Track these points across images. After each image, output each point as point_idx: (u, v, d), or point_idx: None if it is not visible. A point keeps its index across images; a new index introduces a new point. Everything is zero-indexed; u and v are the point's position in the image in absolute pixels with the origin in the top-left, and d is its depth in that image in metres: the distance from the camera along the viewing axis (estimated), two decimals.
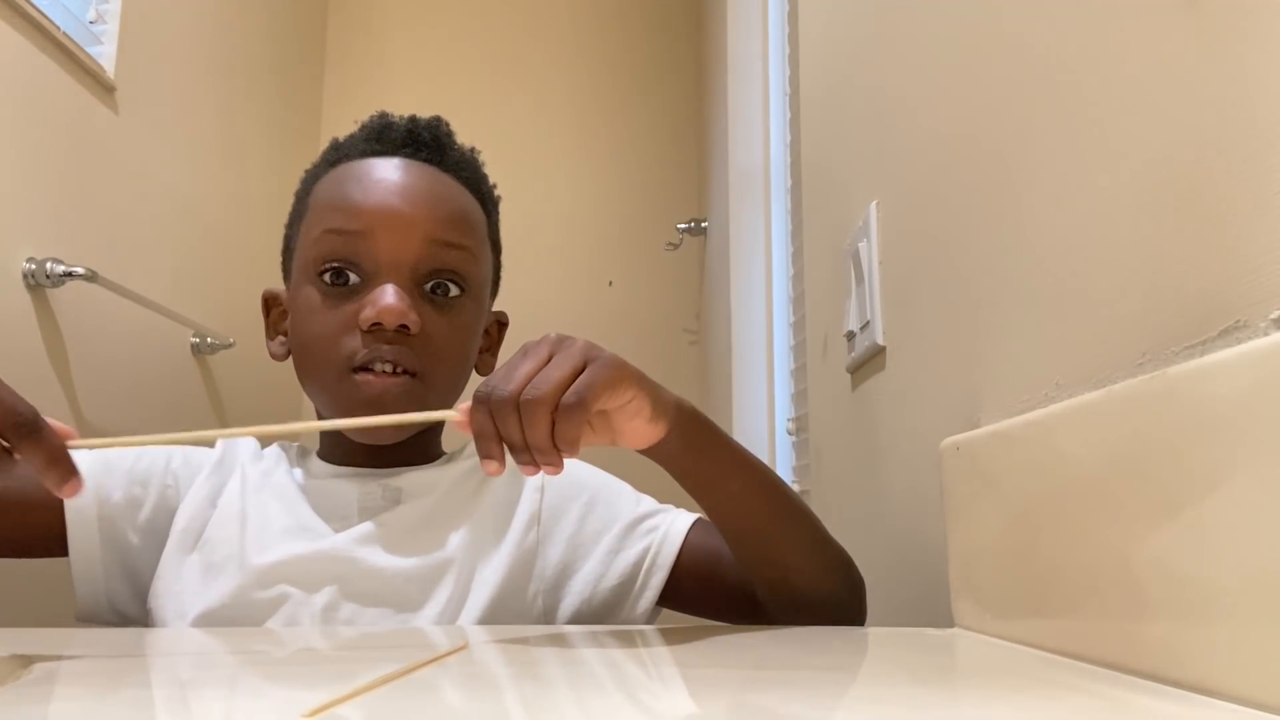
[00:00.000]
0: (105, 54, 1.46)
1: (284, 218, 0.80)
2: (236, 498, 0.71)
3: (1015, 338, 0.54)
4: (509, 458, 0.49)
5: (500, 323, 0.83)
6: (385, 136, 0.76)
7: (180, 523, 0.70)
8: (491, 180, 0.81)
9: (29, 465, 0.46)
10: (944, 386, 0.66)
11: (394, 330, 0.68)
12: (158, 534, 0.71)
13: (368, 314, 0.68)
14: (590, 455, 0.58)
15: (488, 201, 0.80)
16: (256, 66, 2.06)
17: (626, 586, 0.71)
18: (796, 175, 1.33)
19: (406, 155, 0.75)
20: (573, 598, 0.71)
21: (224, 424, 1.79)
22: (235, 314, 1.78)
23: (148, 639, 0.58)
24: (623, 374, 0.51)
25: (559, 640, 0.55)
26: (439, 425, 0.78)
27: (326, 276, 0.71)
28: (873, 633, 0.60)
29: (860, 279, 0.86)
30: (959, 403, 0.63)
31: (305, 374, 0.73)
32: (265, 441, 0.79)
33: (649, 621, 0.72)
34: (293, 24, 2.29)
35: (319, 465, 0.76)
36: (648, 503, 0.75)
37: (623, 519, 0.73)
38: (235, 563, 0.67)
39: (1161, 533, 0.35)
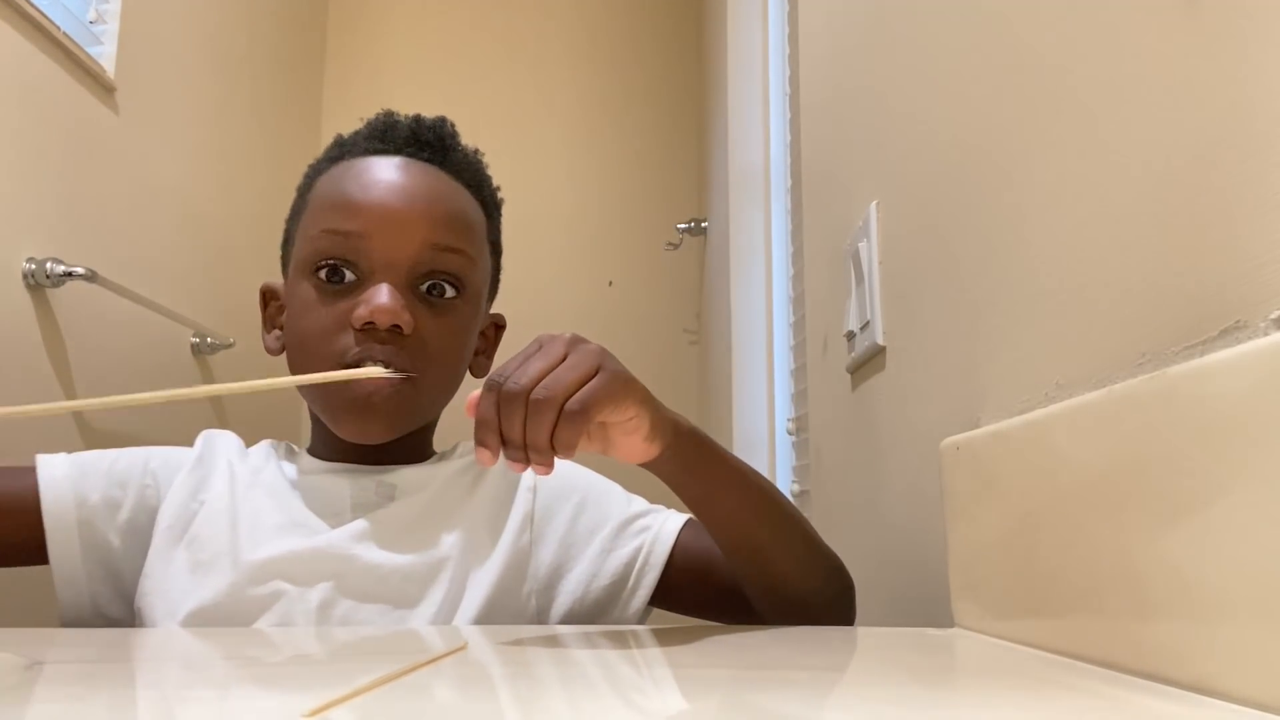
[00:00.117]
0: (105, 54, 1.46)
1: (284, 218, 0.80)
2: (225, 494, 0.71)
3: (1015, 338, 0.54)
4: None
5: (497, 325, 0.82)
6: (389, 135, 0.76)
7: (164, 521, 0.70)
8: (495, 182, 0.81)
9: None
10: (944, 386, 0.66)
11: (387, 330, 0.68)
12: (139, 534, 0.71)
13: (361, 313, 0.68)
14: (583, 458, 0.58)
15: (489, 204, 0.80)
16: (256, 66, 2.06)
17: (619, 586, 0.71)
18: (796, 175, 1.33)
19: (409, 155, 0.74)
20: (565, 597, 0.71)
21: (224, 424, 1.79)
22: (235, 314, 1.78)
23: (147, 639, 0.58)
24: (629, 389, 0.51)
25: (558, 641, 0.55)
26: (431, 425, 0.78)
27: (322, 274, 0.71)
28: (873, 633, 0.60)
29: (860, 279, 0.86)
30: (959, 403, 0.62)
31: (297, 369, 0.73)
32: (251, 439, 0.79)
33: (641, 621, 0.72)
34: (293, 24, 2.29)
35: (310, 461, 0.76)
36: (639, 503, 0.75)
37: (614, 519, 0.73)
38: (227, 559, 0.67)
39: (1162, 533, 0.35)
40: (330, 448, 0.75)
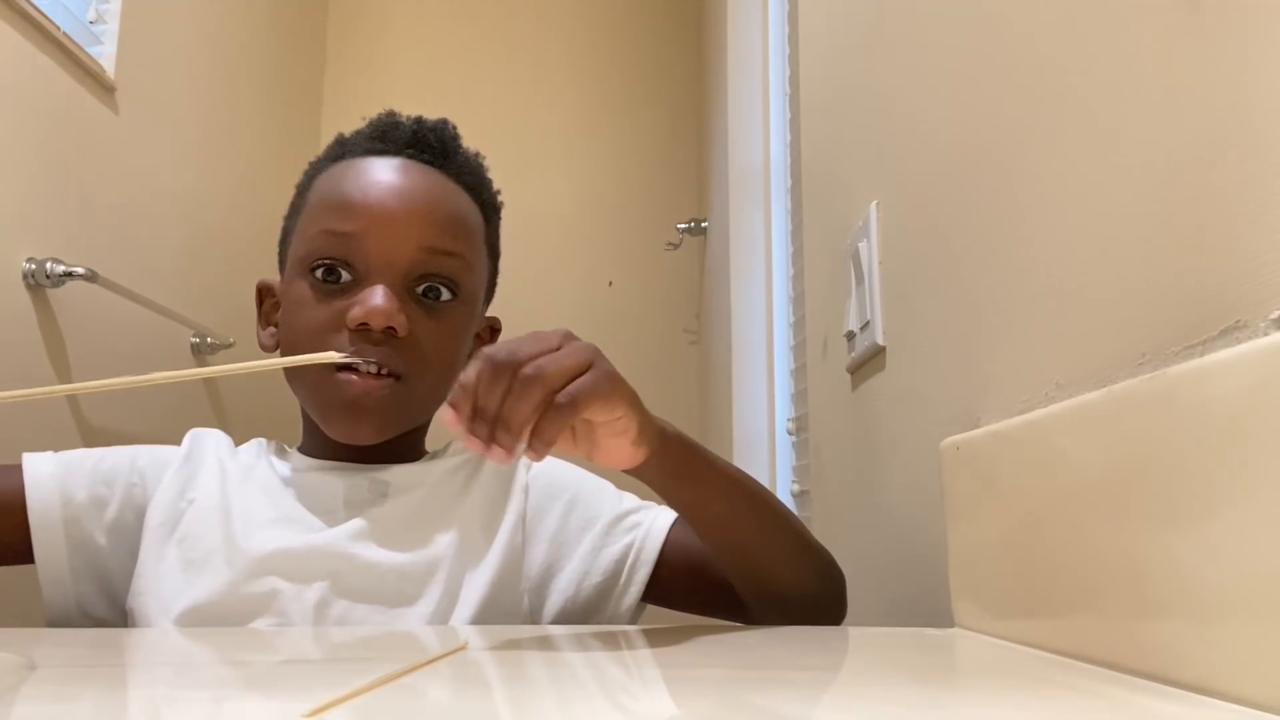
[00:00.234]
0: (105, 54, 1.46)
1: (284, 217, 0.80)
2: (216, 491, 0.71)
3: (1015, 338, 0.54)
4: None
5: (493, 328, 0.82)
6: (390, 136, 0.76)
7: (154, 519, 0.70)
8: (495, 185, 0.81)
9: None
10: (944, 386, 0.66)
11: (381, 331, 0.68)
12: (126, 533, 0.71)
13: (355, 313, 0.68)
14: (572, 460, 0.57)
15: (488, 207, 0.79)
16: (256, 67, 2.06)
17: (610, 583, 0.71)
18: (796, 175, 1.33)
19: (410, 156, 0.74)
20: (557, 596, 0.71)
21: (224, 424, 1.79)
22: (235, 314, 1.78)
23: (147, 640, 0.58)
24: (619, 389, 0.50)
25: (556, 642, 0.55)
26: (424, 425, 0.78)
27: (319, 273, 0.71)
28: (873, 633, 0.60)
29: (860, 279, 0.86)
30: (959, 403, 0.63)
31: (290, 370, 0.73)
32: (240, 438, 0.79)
33: (634, 618, 0.72)
34: (293, 24, 2.29)
35: (301, 459, 0.76)
36: (630, 500, 0.75)
37: (606, 516, 0.73)
38: (220, 556, 0.67)
39: (1161, 533, 0.35)
40: (322, 446, 0.75)
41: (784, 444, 1.59)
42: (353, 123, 0.80)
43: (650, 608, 0.74)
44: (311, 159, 0.80)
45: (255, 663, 0.46)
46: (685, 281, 2.42)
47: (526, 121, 2.46)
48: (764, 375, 1.70)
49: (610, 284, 2.42)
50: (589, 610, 0.71)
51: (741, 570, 0.65)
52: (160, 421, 1.52)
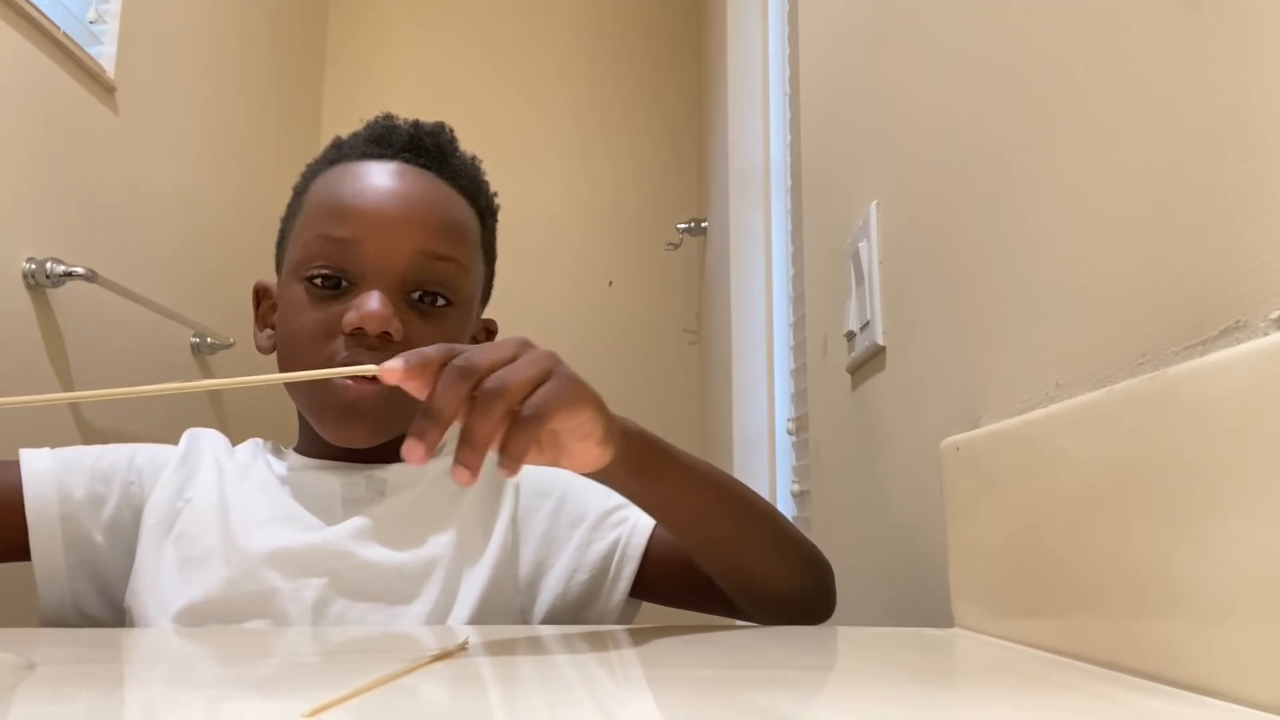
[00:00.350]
0: (105, 54, 1.46)
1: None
2: (213, 491, 0.71)
3: (1015, 338, 0.54)
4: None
5: (489, 330, 0.82)
6: (387, 139, 0.76)
7: (151, 517, 0.70)
8: (493, 188, 0.81)
9: None
10: (944, 386, 0.66)
11: (376, 337, 0.68)
12: (123, 531, 0.71)
13: (351, 318, 0.68)
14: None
15: (485, 211, 0.80)
16: (256, 66, 2.06)
17: (599, 579, 0.71)
18: (796, 175, 1.33)
19: (406, 160, 0.74)
20: (547, 594, 0.72)
21: (224, 424, 1.79)
22: (235, 314, 1.78)
23: (146, 640, 0.58)
24: (582, 393, 0.48)
25: (556, 642, 0.55)
26: None
27: (315, 278, 0.71)
28: (873, 633, 0.60)
29: (860, 279, 0.86)
30: (959, 403, 0.62)
31: (286, 369, 0.73)
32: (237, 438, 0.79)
33: (624, 615, 0.72)
34: (293, 24, 2.29)
35: (298, 458, 0.76)
36: (618, 496, 0.74)
37: (593, 513, 0.73)
38: (218, 555, 0.67)
39: (1161, 533, 0.35)
40: (318, 446, 0.75)
41: (784, 444, 1.59)
42: (352, 124, 0.80)
43: (647, 606, 0.74)
44: (311, 159, 0.80)
45: (255, 663, 0.46)
46: (685, 281, 2.42)
47: (527, 121, 2.46)
48: (764, 375, 1.70)
49: (610, 284, 2.42)
50: (579, 607, 0.71)
51: (721, 567, 0.64)
52: (159, 422, 1.52)
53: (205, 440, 0.77)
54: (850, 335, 0.91)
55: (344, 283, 0.71)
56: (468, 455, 0.44)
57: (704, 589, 0.68)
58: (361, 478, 0.73)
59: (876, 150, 0.85)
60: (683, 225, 2.23)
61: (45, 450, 0.72)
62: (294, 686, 0.38)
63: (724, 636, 0.56)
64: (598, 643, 0.53)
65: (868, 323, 0.84)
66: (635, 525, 0.71)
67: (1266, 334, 0.32)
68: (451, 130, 0.79)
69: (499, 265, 0.83)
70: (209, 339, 1.70)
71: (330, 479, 0.73)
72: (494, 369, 0.46)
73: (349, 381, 0.69)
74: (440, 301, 0.73)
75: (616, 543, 0.71)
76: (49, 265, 1.25)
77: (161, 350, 1.59)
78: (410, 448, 0.43)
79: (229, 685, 0.39)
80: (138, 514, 0.71)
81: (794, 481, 1.44)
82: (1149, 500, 0.36)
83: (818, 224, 1.12)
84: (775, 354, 1.67)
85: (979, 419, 0.58)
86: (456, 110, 0.90)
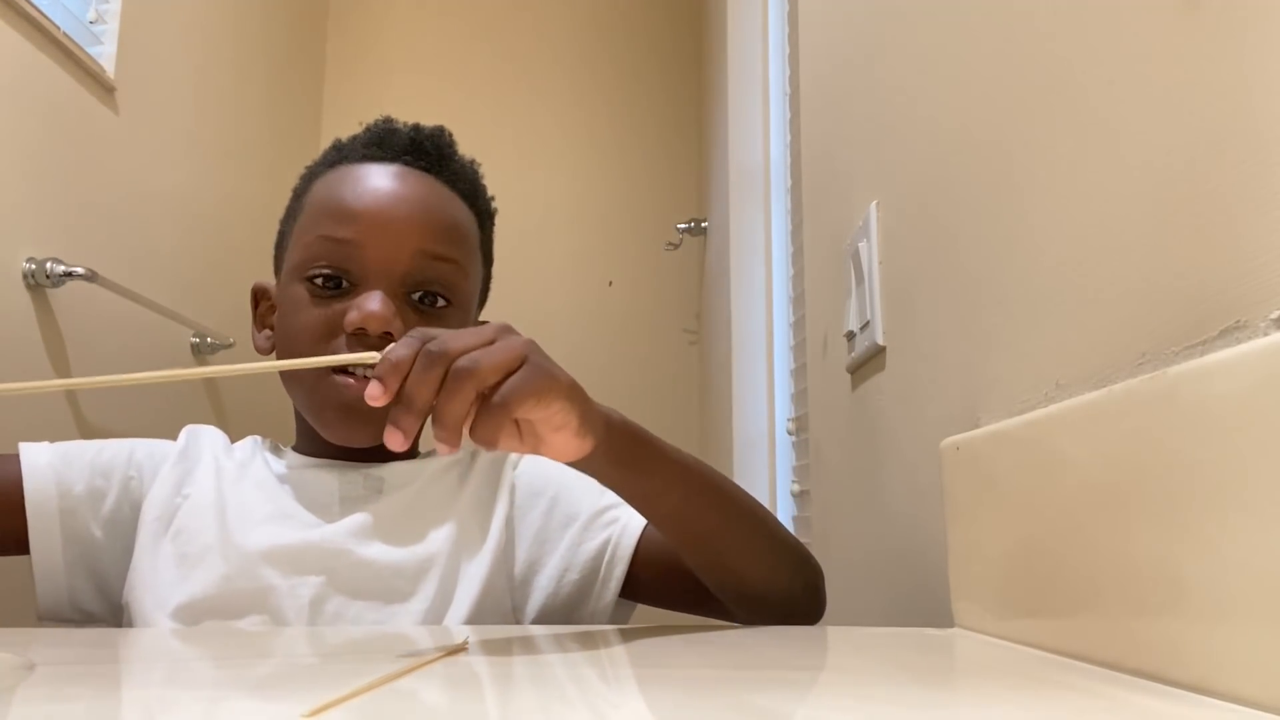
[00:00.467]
0: (105, 54, 1.46)
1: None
2: (211, 488, 0.71)
3: (1015, 338, 0.54)
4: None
5: None
6: (387, 142, 0.76)
7: (150, 513, 0.70)
8: (492, 189, 0.82)
9: None
10: (944, 386, 0.66)
11: (377, 336, 0.68)
12: (122, 527, 0.71)
13: (352, 318, 0.69)
14: None
15: (483, 214, 0.80)
16: (257, 67, 2.06)
17: (590, 579, 0.71)
18: (796, 175, 1.33)
19: (406, 163, 0.75)
20: (539, 593, 0.72)
21: (222, 421, 1.78)
22: (235, 314, 1.78)
23: (145, 640, 0.58)
24: (553, 384, 0.48)
25: (555, 643, 0.55)
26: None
27: (316, 279, 0.71)
28: (873, 633, 0.60)
29: (860, 279, 0.86)
30: (959, 403, 0.62)
31: (286, 371, 0.73)
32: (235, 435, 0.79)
33: (615, 615, 0.72)
34: (293, 24, 2.29)
35: (296, 456, 0.77)
36: (611, 495, 0.74)
37: (585, 512, 0.73)
38: (216, 552, 0.67)
39: (1161, 533, 0.35)
40: (316, 444, 0.75)
41: (784, 444, 1.59)
42: (352, 124, 0.80)
43: (643, 608, 0.74)
44: (311, 159, 0.80)
45: (254, 663, 0.46)
46: (685, 281, 2.42)
47: (527, 121, 2.46)
48: (764, 375, 1.70)
49: (610, 284, 2.42)
50: (570, 607, 0.71)
51: (706, 565, 0.64)
52: (158, 419, 1.52)
53: (204, 437, 0.77)
54: (850, 335, 0.91)
55: (345, 283, 0.71)
56: (441, 434, 0.45)
57: (695, 590, 0.68)
58: (359, 476, 0.73)
59: (876, 150, 0.85)
60: (683, 225, 2.23)
61: (44, 444, 0.72)
62: (293, 687, 0.38)
63: (724, 637, 0.56)
64: (596, 644, 0.53)
65: (868, 323, 0.84)
66: (626, 526, 0.71)
67: (1266, 334, 0.32)
68: (450, 134, 0.79)
69: (499, 265, 0.83)
70: (209, 339, 1.70)
71: (328, 477, 0.73)
72: (467, 352, 0.46)
73: (350, 381, 0.69)
74: (440, 302, 0.73)
75: (607, 543, 0.71)
76: (49, 265, 1.25)
77: (161, 350, 1.59)
78: (389, 435, 0.45)
79: (228, 686, 0.39)
80: (136, 509, 0.71)
81: (794, 481, 1.44)
82: (1149, 500, 0.36)
83: (818, 224, 1.12)
84: (775, 354, 1.66)
85: (979, 419, 0.58)
86: (456, 111, 0.90)
